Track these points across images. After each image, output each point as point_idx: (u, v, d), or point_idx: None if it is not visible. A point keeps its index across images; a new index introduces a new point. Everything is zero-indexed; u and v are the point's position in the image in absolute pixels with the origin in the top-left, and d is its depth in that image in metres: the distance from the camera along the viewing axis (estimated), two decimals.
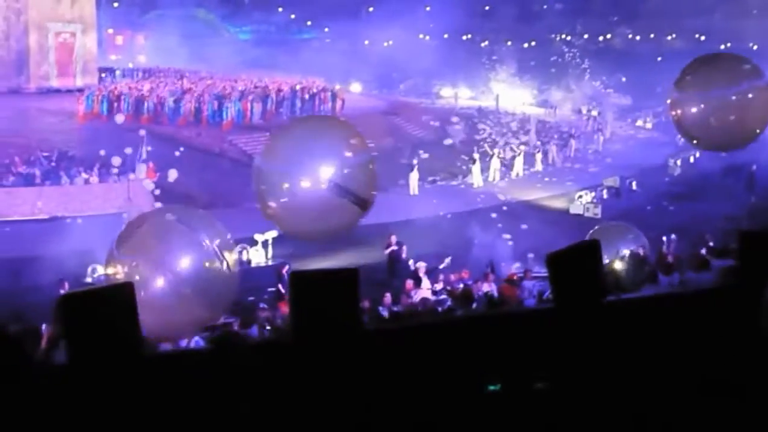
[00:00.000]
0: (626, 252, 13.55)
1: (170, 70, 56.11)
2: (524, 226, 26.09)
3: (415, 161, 35.28)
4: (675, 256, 15.53)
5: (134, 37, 71.55)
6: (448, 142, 43.16)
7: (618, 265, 11.76)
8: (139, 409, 4.67)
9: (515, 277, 17.16)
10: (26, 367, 4.61)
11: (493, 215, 29.01)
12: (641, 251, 15.08)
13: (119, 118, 34.83)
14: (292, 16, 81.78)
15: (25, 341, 4.94)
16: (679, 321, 5.88)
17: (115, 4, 69.78)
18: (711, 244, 16.01)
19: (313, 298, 5.09)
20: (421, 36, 68.96)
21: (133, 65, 61.71)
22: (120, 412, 4.62)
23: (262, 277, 20.28)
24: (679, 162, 40.55)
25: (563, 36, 77.62)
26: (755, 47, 56.90)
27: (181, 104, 40.27)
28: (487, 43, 77.46)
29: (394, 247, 21.83)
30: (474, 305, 14.03)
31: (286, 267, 18.91)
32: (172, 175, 28.17)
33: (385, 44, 66.02)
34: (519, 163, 39.53)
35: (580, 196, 32.64)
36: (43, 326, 9.62)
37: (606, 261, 9.62)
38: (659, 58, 64.36)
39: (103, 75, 52.83)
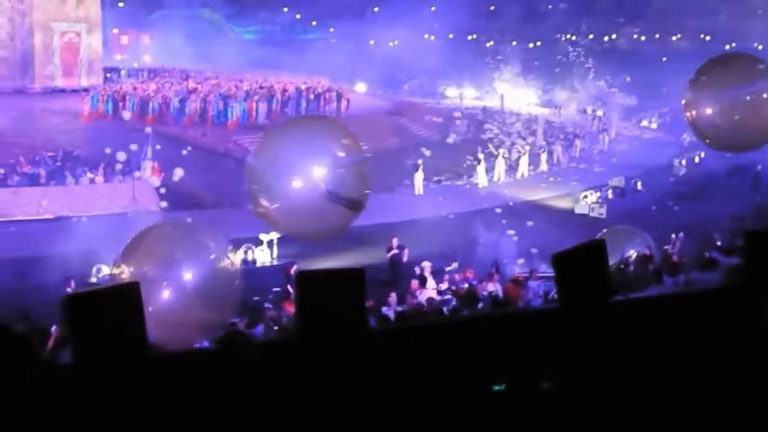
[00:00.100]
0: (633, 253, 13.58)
1: (175, 70, 56.22)
2: (530, 223, 26.14)
3: (420, 161, 35.29)
4: (680, 255, 15.52)
5: (139, 37, 71.62)
6: (451, 139, 43.18)
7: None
8: (144, 409, 4.67)
9: (520, 278, 17.18)
10: (32, 366, 4.61)
11: (498, 212, 29.05)
12: (647, 252, 15.11)
13: (126, 114, 34.85)
14: (298, 16, 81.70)
15: (31, 341, 4.93)
16: (686, 321, 5.86)
17: (121, 4, 69.78)
18: (719, 243, 15.98)
19: (319, 297, 5.09)
20: (426, 36, 68.88)
21: (138, 65, 61.83)
22: (125, 412, 4.62)
23: (268, 276, 20.31)
24: (684, 162, 40.52)
25: (568, 36, 77.43)
26: (760, 47, 56.87)
27: (187, 104, 40.31)
28: (492, 43, 77.34)
29: (395, 251, 21.84)
30: (480, 305, 14.04)
31: (294, 267, 18.93)
32: (178, 173, 28.22)
33: (391, 44, 66.02)
34: (524, 163, 39.52)
35: (585, 196, 32.63)
36: (53, 328, 9.66)
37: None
38: (664, 59, 64.38)
39: (108, 75, 52.92)
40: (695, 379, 5.54)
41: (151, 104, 40.05)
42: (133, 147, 29.81)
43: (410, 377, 5.25)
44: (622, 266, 13.84)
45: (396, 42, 64.89)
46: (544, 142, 44.73)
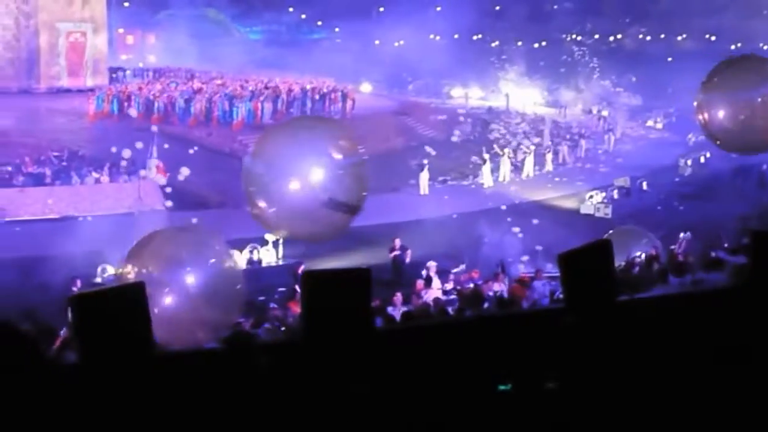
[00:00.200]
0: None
1: (181, 70, 56.16)
2: (535, 221, 26.12)
3: (425, 161, 35.29)
4: (686, 255, 15.48)
5: (145, 36, 71.60)
6: (455, 137, 43.17)
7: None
8: (149, 409, 4.68)
9: (526, 278, 17.16)
10: (38, 365, 4.62)
11: (503, 210, 29.03)
12: (654, 252, 15.10)
13: (132, 112, 34.82)
14: (303, 16, 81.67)
15: (38, 340, 4.94)
16: (692, 321, 5.85)
17: (126, 4, 69.77)
18: (726, 245, 15.94)
19: (325, 297, 5.09)
20: (431, 36, 68.77)
21: (144, 65, 61.77)
22: (131, 412, 4.62)
23: (273, 276, 20.32)
24: (689, 162, 40.45)
25: (574, 36, 77.35)
26: (766, 47, 56.76)
27: (192, 104, 40.30)
28: (497, 43, 77.25)
29: (398, 252, 21.85)
30: (486, 305, 14.03)
31: (302, 267, 18.93)
32: (184, 173, 28.25)
33: (396, 44, 65.91)
34: (529, 163, 39.48)
35: (591, 196, 32.61)
36: (63, 330, 9.67)
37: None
38: (670, 59, 64.21)
39: (114, 75, 52.93)
40: (701, 379, 5.53)
41: (156, 104, 40.05)
42: (139, 145, 29.84)
43: (416, 377, 5.25)
44: (628, 267, 13.84)
45: (401, 42, 64.78)
46: (550, 142, 44.70)
